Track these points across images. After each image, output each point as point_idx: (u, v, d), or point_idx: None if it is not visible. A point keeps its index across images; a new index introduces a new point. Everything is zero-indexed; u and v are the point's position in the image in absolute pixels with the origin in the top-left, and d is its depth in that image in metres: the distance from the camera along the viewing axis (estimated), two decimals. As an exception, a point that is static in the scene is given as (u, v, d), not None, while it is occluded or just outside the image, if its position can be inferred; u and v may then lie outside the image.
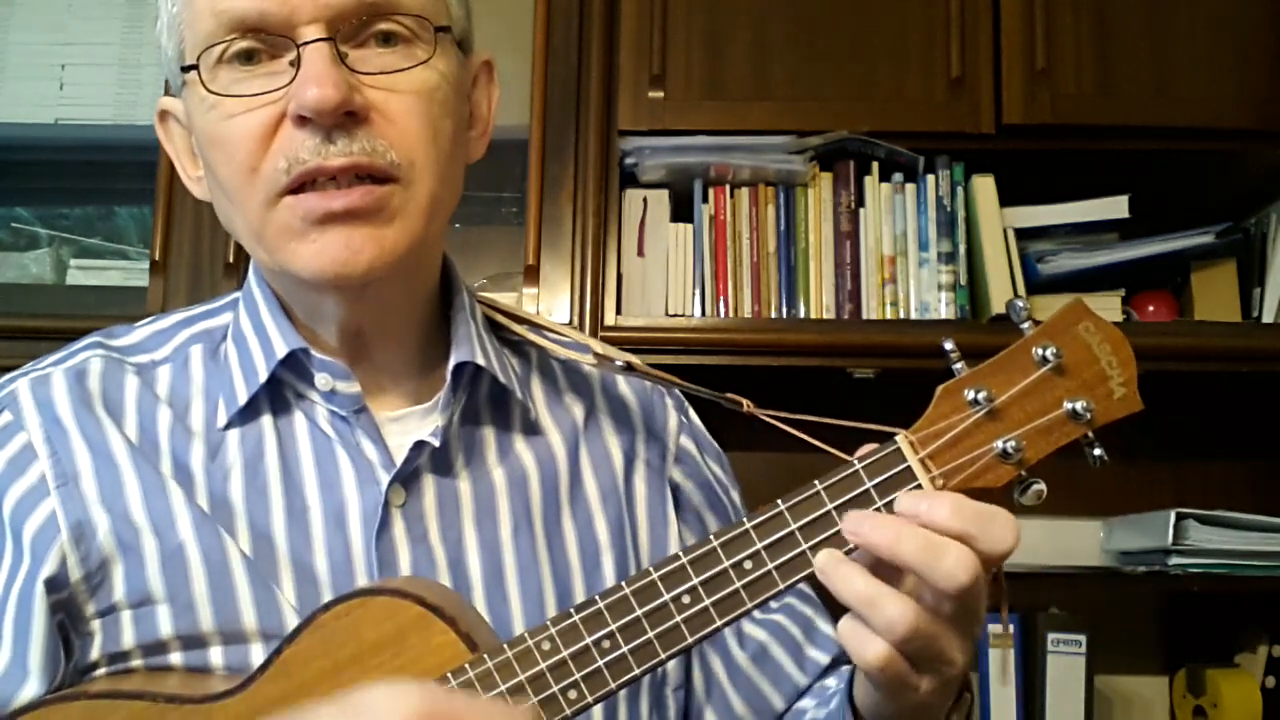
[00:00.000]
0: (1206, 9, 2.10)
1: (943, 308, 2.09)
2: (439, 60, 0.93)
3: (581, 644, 0.82)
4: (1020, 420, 0.83)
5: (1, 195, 2.41)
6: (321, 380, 0.96)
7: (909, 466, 0.82)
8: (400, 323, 1.00)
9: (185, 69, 0.92)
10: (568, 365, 1.09)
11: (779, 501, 0.83)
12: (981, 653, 2.17)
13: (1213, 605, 2.27)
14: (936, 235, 2.11)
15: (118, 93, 2.23)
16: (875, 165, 2.14)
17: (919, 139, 2.11)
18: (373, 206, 0.89)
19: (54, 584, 0.89)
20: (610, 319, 2.05)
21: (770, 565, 0.82)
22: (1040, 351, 0.83)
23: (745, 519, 0.83)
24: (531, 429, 1.04)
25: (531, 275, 2.06)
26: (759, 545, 0.82)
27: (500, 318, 1.08)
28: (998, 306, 2.06)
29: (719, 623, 0.83)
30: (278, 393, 0.97)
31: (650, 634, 0.82)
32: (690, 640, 0.82)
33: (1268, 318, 2.12)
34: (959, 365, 0.85)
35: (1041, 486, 0.83)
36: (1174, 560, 2.05)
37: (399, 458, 0.95)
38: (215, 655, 0.90)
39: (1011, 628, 2.17)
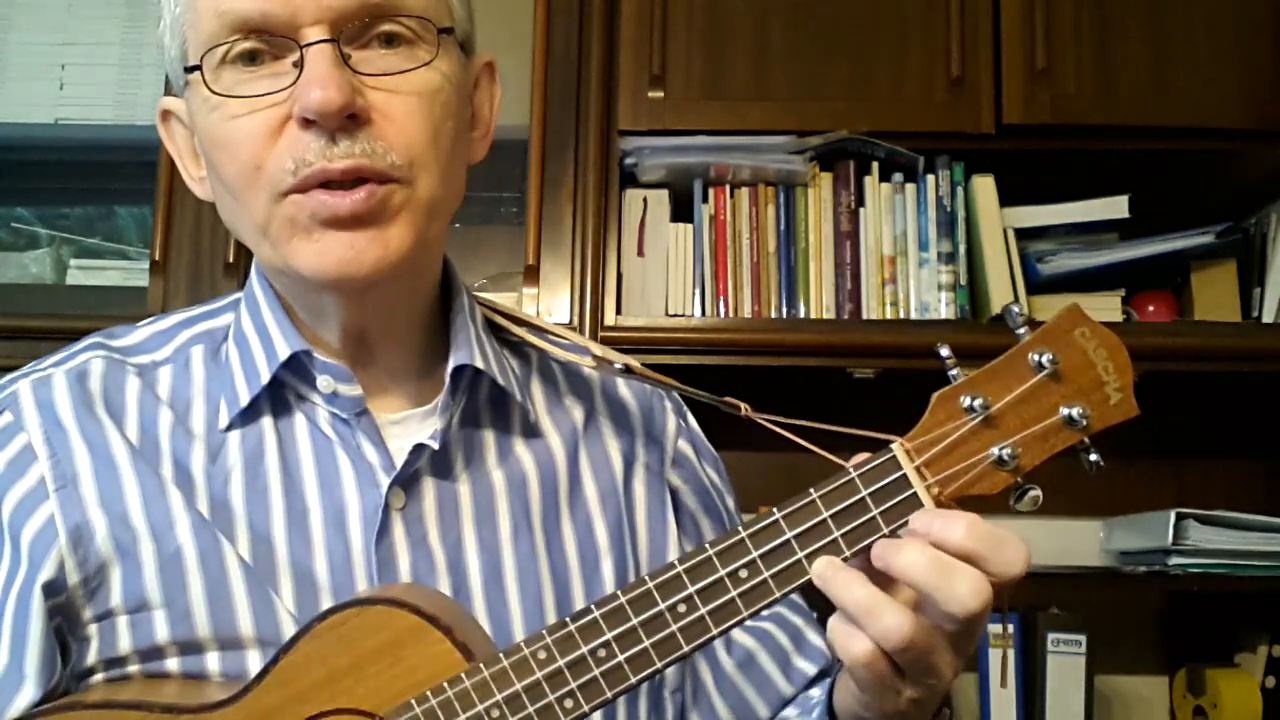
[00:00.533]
0: (1206, 9, 2.10)
1: (943, 308, 2.09)
2: (441, 61, 0.93)
3: (577, 653, 0.82)
4: (1016, 427, 0.83)
5: (1, 195, 2.41)
6: (323, 382, 0.96)
7: (905, 474, 0.82)
8: (402, 324, 1.00)
9: (188, 69, 0.92)
10: (568, 367, 1.09)
11: (774, 510, 0.83)
12: (981, 653, 2.18)
13: (1213, 605, 2.27)
14: (936, 235, 2.11)
15: (118, 93, 2.22)
16: (875, 165, 2.14)
17: (919, 139, 2.11)
18: (376, 208, 0.89)
19: (52, 588, 0.89)
20: (610, 319, 2.05)
21: (766, 574, 0.82)
22: (1036, 358, 0.83)
23: (741, 527, 0.83)
24: (531, 431, 1.04)
25: (531, 275, 2.06)
26: (754, 554, 0.82)
27: (500, 319, 1.08)
28: (998, 306, 2.05)
29: (715, 631, 0.82)
30: (279, 394, 0.98)
31: (646, 643, 0.82)
32: (686, 649, 0.82)
33: (1268, 318, 2.11)
34: (955, 371, 0.85)
35: (1038, 493, 0.83)
36: (1174, 560, 2.05)
37: (399, 460, 0.95)
38: (212, 661, 0.90)
39: (1011, 628, 2.17)
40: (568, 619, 0.83)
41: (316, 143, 0.88)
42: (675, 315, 2.09)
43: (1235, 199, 2.22)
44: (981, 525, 0.79)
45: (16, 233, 2.34)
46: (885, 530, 0.82)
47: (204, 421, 0.97)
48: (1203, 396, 2.26)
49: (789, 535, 0.82)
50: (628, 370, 1.02)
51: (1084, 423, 0.82)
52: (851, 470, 0.83)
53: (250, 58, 0.90)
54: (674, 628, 0.82)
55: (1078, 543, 2.30)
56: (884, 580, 0.81)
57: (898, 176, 2.14)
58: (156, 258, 2.07)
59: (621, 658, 0.82)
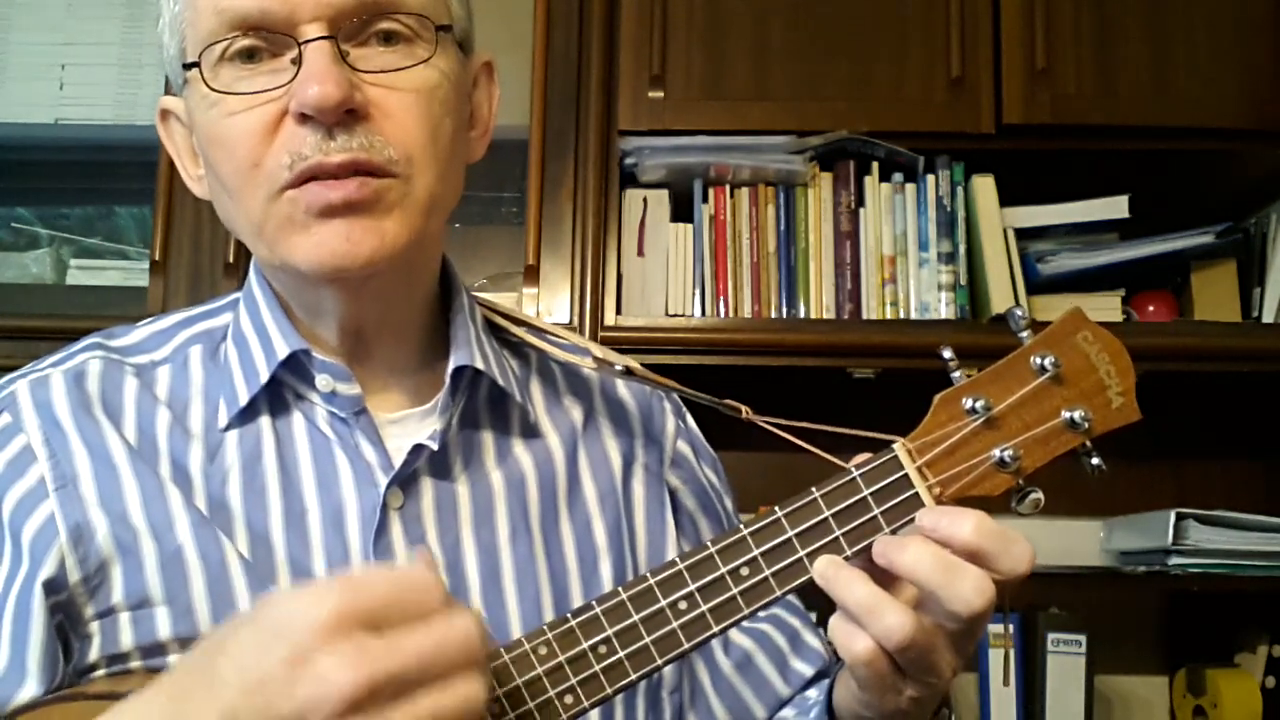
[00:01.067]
0: (1206, 9, 2.10)
1: (943, 308, 2.09)
2: (440, 59, 0.93)
3: (578, 649, 0.82)
4: (1018, 429, 0.83)
5: (1, 195, 2.41)
6: (322, 381, 0.96)
7: (906, 475, 0.82)
8: (400, 320, 1.00)
9: (187, 66, 0.92)
10: (567, 368, 1.09)
11: (776, 508, 0.83)
12: (981, 653, 2.18)
13: (1213, 605, 2.27)
14: (936, 235, 2.11)
15: (118, 93, 2.23)
16: (875, 165, 2.15)
17: (919, 139, 2.11)
18: (370, 198, 0.89)
19: (52, 586, 0.89)
20: (610, 319, 2.05)
21: (767, 572, 0.82)
22: (1039, 361, 0.83)
23: (742, 526, 0.83)
24: (530, 432, 1.04)
25: (531, 275, 2.07)
26: (756, 552, 0.82)
27: (499, 320, 1.08)
28: (998, 306, 2.06)
29: (715, 629, 0.83)
30: (277, 394, 0.97)
31: (647, 639, 0.82)
32: (687, 646, 0.82)
33: (1268, 318, 2.12)
34: (957, 374, 0.85)
35: (1039, 495, 0.83)
36: (1174, 560, 2.05)
37: (397, 460, 0.95)
38: (214, 658, 0.90)
39: (1011, 628, 2.17)
40: (569, 614, 0.83)
41: (313, 137, 0.88)
42: (675, 315, 2.10)
43: (1235, 199, 2.22)
44: (989, 523, 0.79)
45: (16, 233, 2.34)
46: (886, 530, 0.82)
47: (202, 421, 0.96)
48: (1203, 396, 2.26)
49: (790, 534, 0.82)
50: (628, 372, 1.02)
51: (1086, 426, 0.83)
52: (853, 470, 0.83)
53: (249, 55, 0.90)
54: (675, 624, 0.82)
55: (1078, 543, 2.31)
56: (885, 579, 0.81)
57: (898, 176, 2.14)
58: (156, 258, 2.07)
59: (622, 654, 0.82)
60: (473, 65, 1.02)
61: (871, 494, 0.83)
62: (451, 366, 0.98)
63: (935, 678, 0.82)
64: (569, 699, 0.82)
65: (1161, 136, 2.09)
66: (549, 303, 2.06)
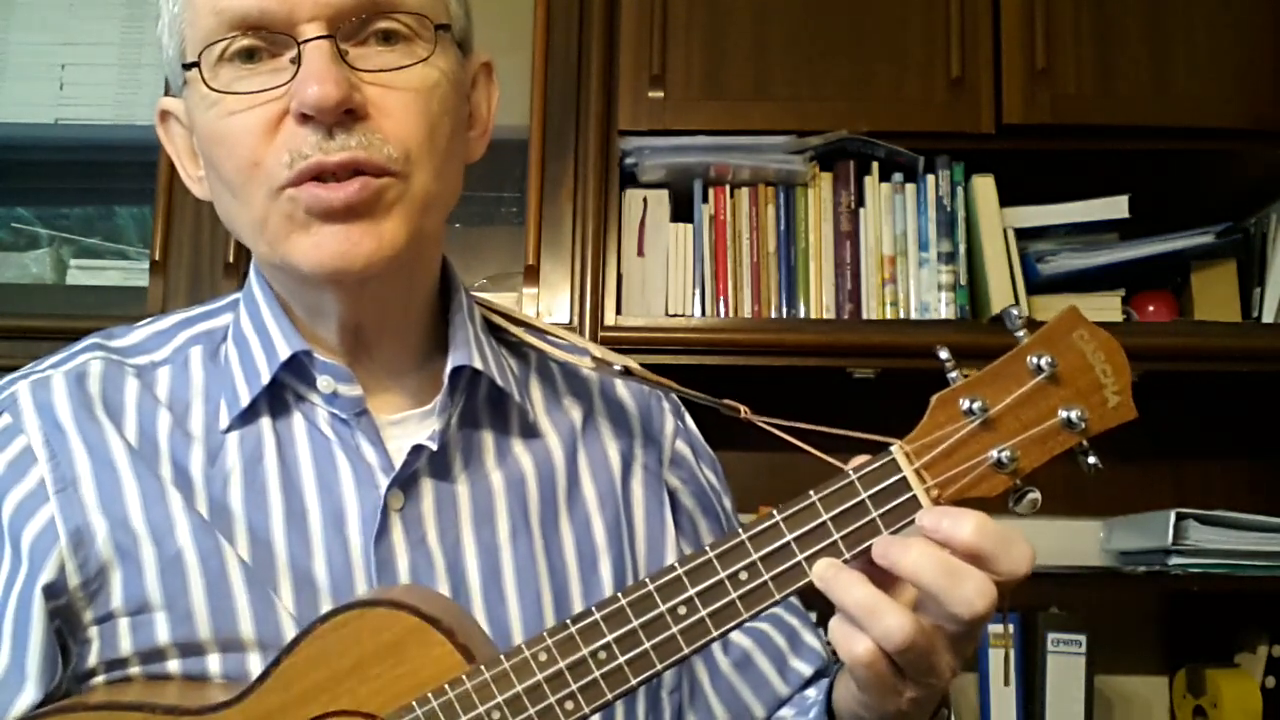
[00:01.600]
0: (1206, 9, 2.10)
1: (943, 308, 2.09)
2: (439, 58, 0.93)
3: (578, 655, 0.82)
4: (1015, 430, 0.83)
5: (1, 195, 2.41)
6: (323, 383, 0.96)
7: (904, 477, 0.82)
8: (399, 320, 1.00)
9: (186, 67, 0.92)
10: (566, 368, 1.09)
11: (774, 512, 0.83)
12: (981, 653, 2.18)
13: (1213, 605, 2.27)
14: (936, 235, 2.11)
15: (118, 93, 2.23)
16: (875, 165, 2.15)
17: (919, 139, 2.11)
18: (370, 200, 0.89)
19: (52, 590, 0.89)
20: (610, 319, 2.06)
21: (766, 576, 0.82)
22: (1035, 360, 0.83)
23: (741, 530, 0.83)
24: (530, 432, 1.04)
25: (531, 275, 2.07)
26: (754, 556, 0.82)
27: (499, 320, 1.08)
28: (998, 306, 2.06)
29: (715, 633, 0.82)
30: (277, 395, 0.97)
31: (646, 645, 0.82)
32: (687, 651, 0.82)
33: (1268, 318, 2.12)
34: (954, 374, 0.85)
35: (1036, 496, 0.83)
36: (1174, 560, 2.05)
37: (398, 461, 0.95)
38: (213, 663, 0.90)
39: (1011, 628, 2.17)
40: (568, 620, 0.83)
41: (313, 137, 0.88)
42: (675, 315, 2.10)
43: (1235, 199, 2.22)
44: (990, 524, 0.79)
45: (16, 233, 2.34)
46: (885, 533, 0.82)
47: (203, 423, 0.96)
48: (1202, 396, 2.26)
49: (789, 537, 0.82)
50: (627, 372, 1.02)
51: (1083, 425, 0.82)
52: (851, 473, 0.83)
53: (248, 55, 0.90)
54: (674, 630, 0.82)
55: (1078, 543, 2.31)
56: (884, 580, 0.81)
57: (898, 176, 2.14)
58: (156, 258, 2.08)
59: (622, 659, 0.82)
60: (472, 65, 1.02)
61: (870, 497, 0.82)
62: (450, 367, 0.98)
63: (935, 679, 0.82)
64: (569, 705, 0.82)
65: (1161, 136, 2.09)
66: (549, 303, 2.06)
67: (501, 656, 0.83)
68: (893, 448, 0.84)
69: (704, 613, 0.82)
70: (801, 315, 2.09)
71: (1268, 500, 2.21)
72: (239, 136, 0.90)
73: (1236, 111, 2.08)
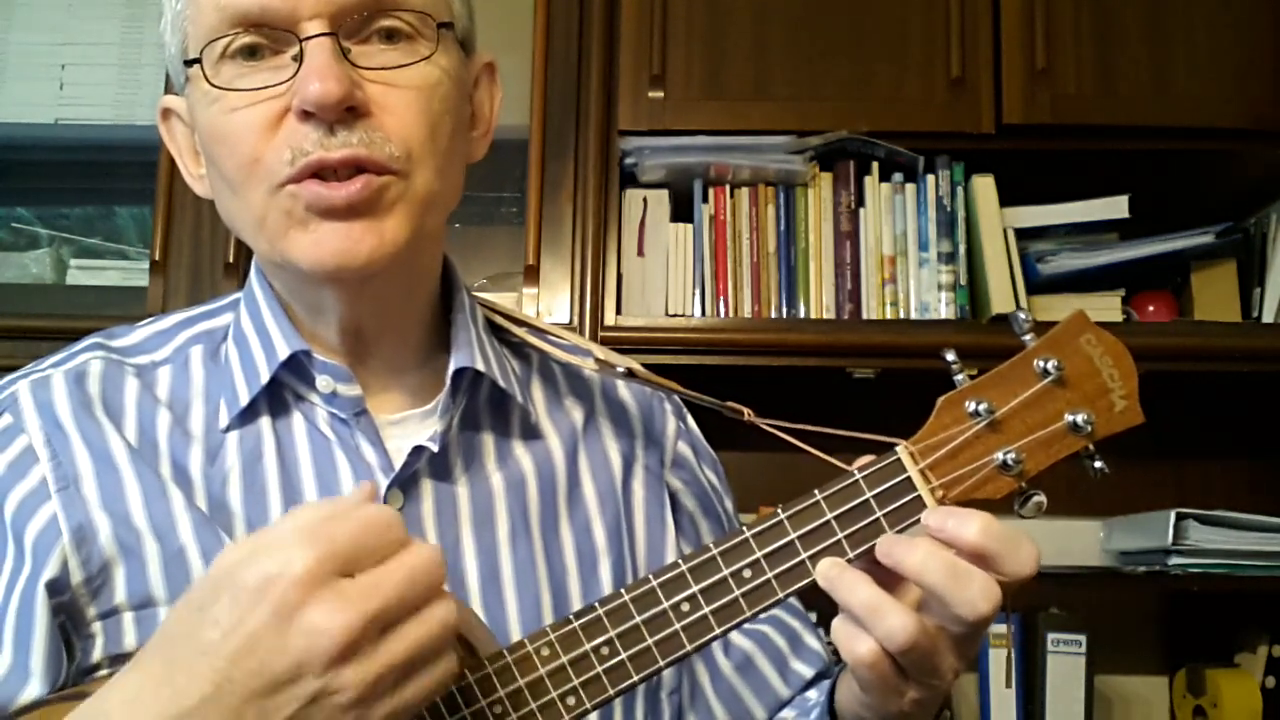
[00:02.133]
0: (1206, 9, 2.10)
1: (943, 308, 2.09)
2: (441, 56, 0.93)
3: (580, 650, 0.82)
4: (1021, 432, 0.83)
5: (1, 195, 2.41)
6: (323, 383, 0.96)
7: (909, 477, 0.82)
8: (400, 320, 1.00)
9: (188, 63, 0.92)
10: (568, 369, 1.09)
11: (778, 510, 0.83)
12: (982, 653, 2.18)
13: (1213, 605, 2.27)
14: (936, 235, 2.11)
15: (118, 93, 2.23)
16: (875, 165, 2.15)
17: (919, 139, 2.11)
18: (372, 198, 0.89)
19: (55, 587, 0.89)
20: (610, 319, 2.05)
21: (769, 574, 0.82)
22: (1042, 364, 0.83)
23: (745, 528, 0.83)
24: (531, 433, 1.04)
25: (531, 275, 2.06)
26: (758, 554, 0.82)
27: (500, 320, 1.08)
28: (998, 306, 2.06)
29: (717, 631, 0.83)
30: (277, 394, 0.97)
31: (649, 641, 0.82)
32: (689, 648, 0.82)
33: (1268, 318, 2.12)
34: (960, 376, 0.85)
35: (1041, 499, 0.83)
36: (1174, 560, 2.05)
37: (398, 461, 0.95)
38: (215, 659, 0.90)
39: (1011, 628, 2.17)
40: (571, 616, 0.83)
41: (314, 133, 0.88)
42: (675, 315, 2.10)
43: (1235, 199, 2.22)
44: (996, 524, 0.79)
45: (16, 233, 2.34)
46: (889, 533, 0.82)
47: (203, 422, 0.96)
48: (1203, 396, 2.26)
49: (793, 536, 0.82)
50: (630, 374, 1.02)
51: (1089, 429, 0.83)
52: (856, 472, 0.83)
53: (250, 52, 0.90)
54: (677, 626, 0.82)
55: (1078, 543, 2.30)
56: (887, 580, 0.81)
57: (898, 176, 2.15)
58: (156, 258, 2.07)
59: (624, 655, 0.82)
60: (474, 65, 1.02)
61: (874, 496, 0.82)
62: (452, 368, 0.98)
63: (937, 679, 0.82)
64: (571, 700, 0.82)
65: (1161, 136, 2.09)
66: (549, 303, 2.06)
67: (504, 650, 0.82)
68: (898, 448, 0.84)
69: (707, 610, 0.82)
70: (801, 315, 2.09)
71: (1268, 500, 2.21)
72: (240, 133, 0.90)
73: (1236, 111, 2.08)
